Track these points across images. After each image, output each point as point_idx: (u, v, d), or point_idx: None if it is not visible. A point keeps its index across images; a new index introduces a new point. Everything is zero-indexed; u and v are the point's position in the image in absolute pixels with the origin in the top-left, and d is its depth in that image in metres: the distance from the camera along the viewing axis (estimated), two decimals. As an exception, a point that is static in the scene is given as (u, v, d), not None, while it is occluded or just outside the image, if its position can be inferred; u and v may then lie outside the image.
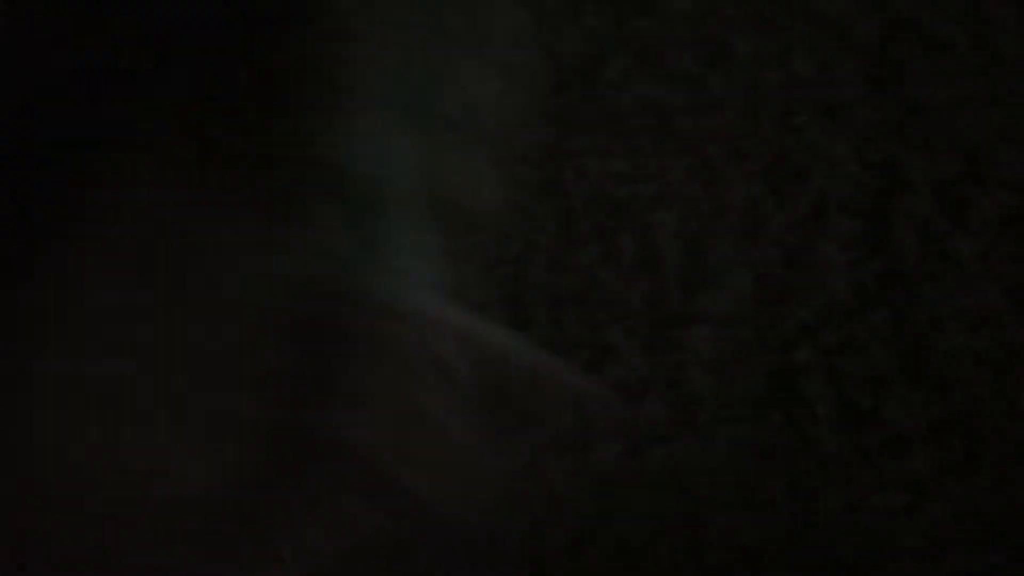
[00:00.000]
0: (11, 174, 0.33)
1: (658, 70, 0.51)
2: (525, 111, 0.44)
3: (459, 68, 0.39)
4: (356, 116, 0.35)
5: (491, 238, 0.42)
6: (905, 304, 0.45)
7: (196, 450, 0.31)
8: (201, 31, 0.34)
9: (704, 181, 0.48)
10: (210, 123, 0.33)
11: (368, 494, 0.32)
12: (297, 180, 0.33)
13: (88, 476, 0.30)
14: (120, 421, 0.30)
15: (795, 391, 0.43)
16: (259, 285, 0.32)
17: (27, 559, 0.30)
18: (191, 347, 0.32)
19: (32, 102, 0.34)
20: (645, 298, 0.45)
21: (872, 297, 0.45)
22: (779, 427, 0.43)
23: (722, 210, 0.48)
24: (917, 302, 0.45)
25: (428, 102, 0.38)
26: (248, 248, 0.32)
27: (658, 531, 0.40)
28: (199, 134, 0.33)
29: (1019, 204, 0.47)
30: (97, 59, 0.34)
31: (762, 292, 0.46)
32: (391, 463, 0.32)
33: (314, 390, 0.32)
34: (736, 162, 0.49)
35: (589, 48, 0.50)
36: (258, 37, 0.34)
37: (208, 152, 0.33)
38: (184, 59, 0.33)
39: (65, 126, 0.33)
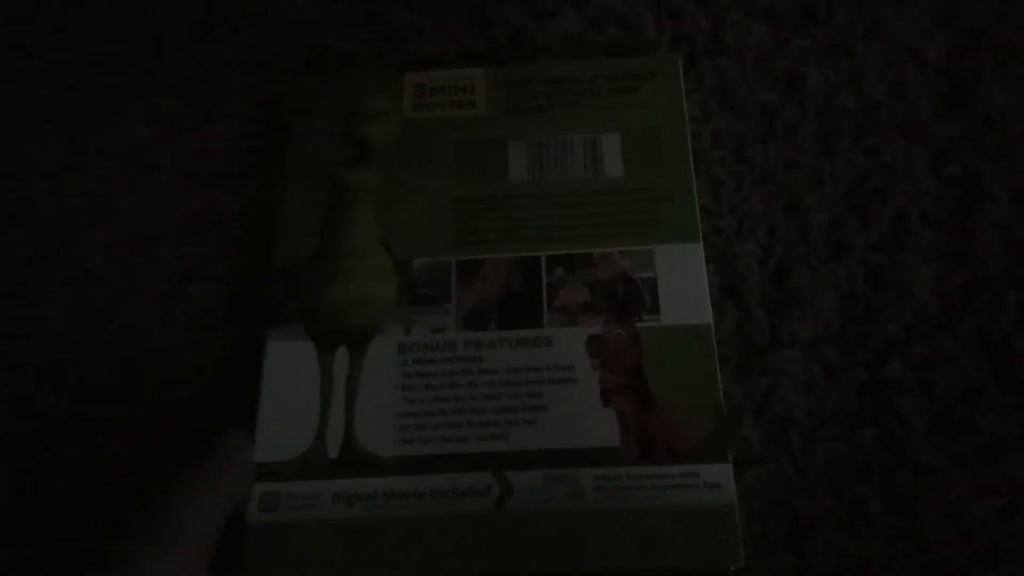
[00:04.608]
0: None
1: (733, 102, 0.51)
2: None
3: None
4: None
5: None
6: (991, 312, 0.45)
7: None
8: None
9: (785, 208, 0.49)
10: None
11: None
12: None
13: None
14: None
15: (888, 405, 0.44)
16: None
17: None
18: None
19: None
20: (734, 326, 0.46)
21: (958, 307, 0.46)
22: (874, 442, 0.43)
23: (805, 235, 0.48)
24: (1003, 309, 0.45)
25: None
26: None
27: (761, 551, 0.41)
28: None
29: (1102, 206, 0.46)
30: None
31: (849, 311, 0.46)
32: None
33: None
34: (815, 187, 0.49)
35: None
36: None
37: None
38: None
39: None
